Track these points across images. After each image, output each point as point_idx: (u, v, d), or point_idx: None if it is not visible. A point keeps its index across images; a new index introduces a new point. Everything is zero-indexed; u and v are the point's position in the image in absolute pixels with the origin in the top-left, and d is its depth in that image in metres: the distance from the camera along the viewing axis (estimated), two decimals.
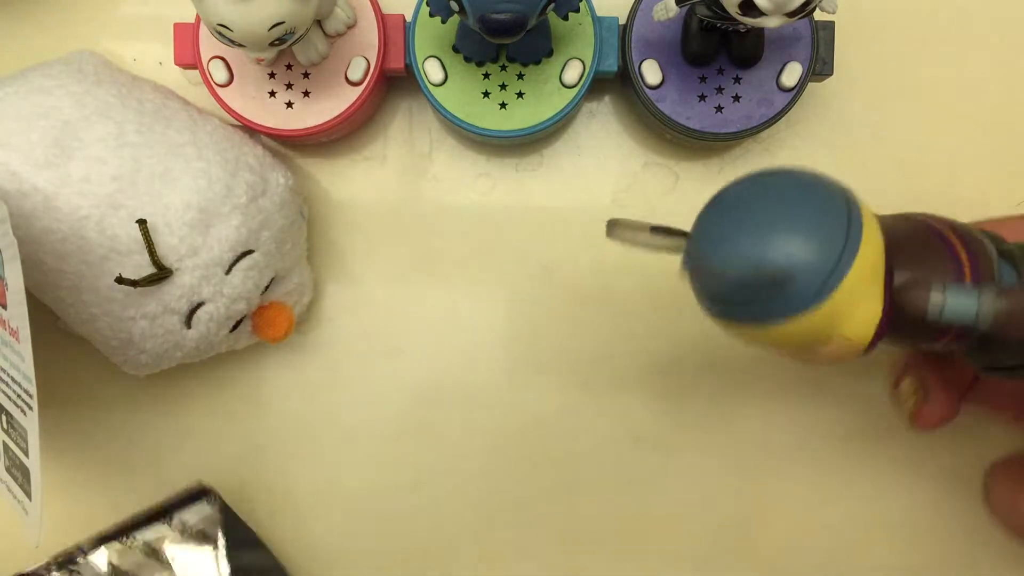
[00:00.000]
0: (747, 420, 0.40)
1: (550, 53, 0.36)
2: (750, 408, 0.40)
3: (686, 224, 0.27)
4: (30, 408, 0.30)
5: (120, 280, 0.32)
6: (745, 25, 0.31)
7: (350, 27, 0.36)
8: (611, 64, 0.37)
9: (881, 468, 0.40)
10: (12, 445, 0.32)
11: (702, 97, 0.36)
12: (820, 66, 0.37)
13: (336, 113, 0.36)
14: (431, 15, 0.33)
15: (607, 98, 0.41)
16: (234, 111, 0.37)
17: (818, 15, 0.33)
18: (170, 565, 0.37)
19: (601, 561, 0.40)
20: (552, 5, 0.31)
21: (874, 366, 0.39)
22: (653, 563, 0.40)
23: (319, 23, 0.35)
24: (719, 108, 0.36)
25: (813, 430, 0.40)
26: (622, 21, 0.37)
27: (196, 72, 0.37)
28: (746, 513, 0.40)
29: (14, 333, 0.30)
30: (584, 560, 0.40)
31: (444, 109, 0.37)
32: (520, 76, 0.37)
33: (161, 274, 0.33)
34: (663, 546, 0.40)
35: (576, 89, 0.37)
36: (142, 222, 0.32)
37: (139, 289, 0.33)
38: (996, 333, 0.26)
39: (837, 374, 0.39)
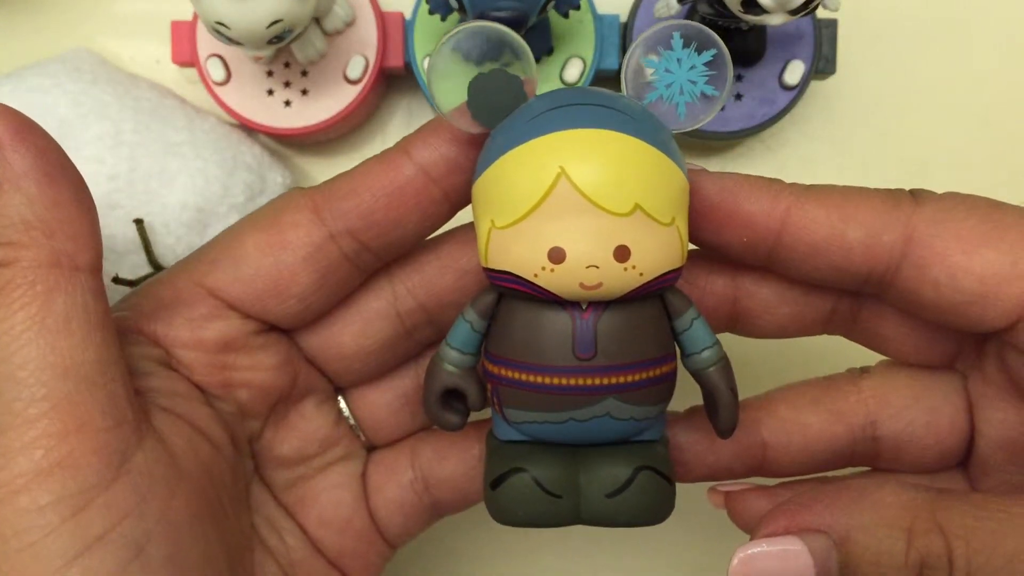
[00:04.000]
0: None
1: (550, 51, 0.36)
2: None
3: None
4: None
5: (117, 280, 0.32)
6: (747, 23, 0.31)
7: (349, 25, 0.36)
8: (612, 62, 0.36)
9: None
10: None
11: None
12: (823, 64, 0.36)
13: (335, 112, 0.36)
14: (430, 13, 0.33)
15: None
16: (232, 110, 0.36)
17: (821, 13, 0.33)
18: None
19: (602, 561, 0.40)
20: (552, 3, 0.31)
21: None
22: (653, 564, 0.40)
23: (317, 21, 0.35)
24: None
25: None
26: (623, 19, 0.37)
27: (193, 70, 0.37)
28: None
29: None
30: (584, 560, 0.40)
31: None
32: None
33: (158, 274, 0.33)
34: (663, 549, 0.40)
35: None
36: (139, 222, 0.32)
37: None
38: None
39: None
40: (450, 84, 0.23)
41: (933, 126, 0.40)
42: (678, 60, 0.22)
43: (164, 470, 0.22)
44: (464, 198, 0.25)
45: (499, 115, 0.23)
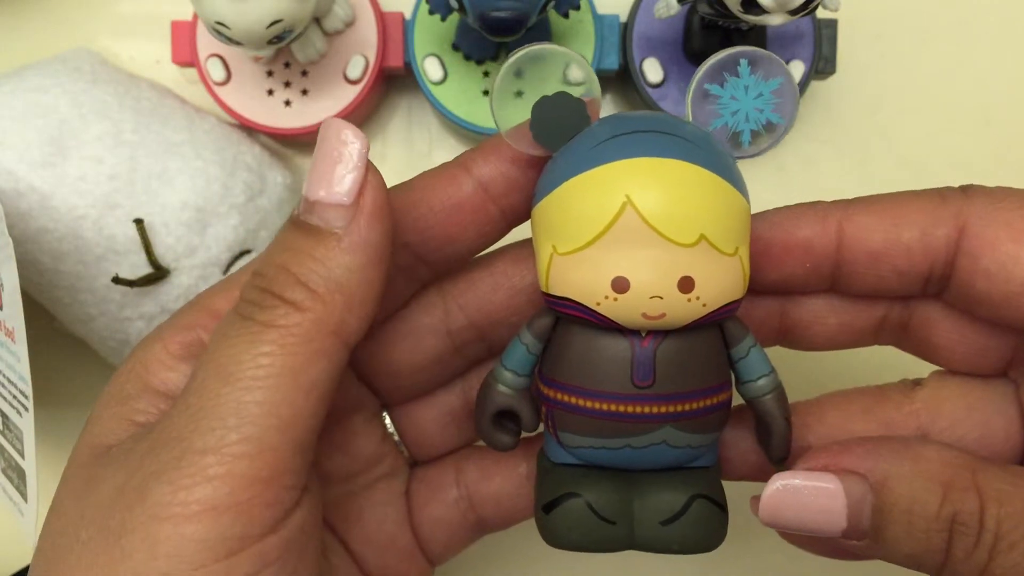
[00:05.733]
0: None
1: None
2: None
3: None
4: (26, 409, 0.30)
5: (117, 280, 0.32)
6: (747, 23, 0.31)
7: (349, 25, 0.36)
8: (612, 62, 0.37)
9: None
10: (8, 446, 0.32)
11: None
12: (823, 64, 0.36)
13: (335, 112, 0.36)
14: (430, 13, 0.33)
15: (608, 96, 0.40)
16: (232, 110, 0.36)
17: (821, 13, 0.33)
18: None
19: (603, 561, 0.40)
20: (552, 3, 0.31)
21: None
22: (655, 563, 0.40)
23: (317, 21, 0.35)
24: None
25: None
26: (623, 19, 0.37)
27: (194, 70, 0.37)
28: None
29: (10, 333, 0.30)
30: (586, 561, 0.40)
31: (444, 108, 0.36)
32: (520, 74, 0.36)
33: (158, 274, 0.33)
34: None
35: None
36: (139, 221, 0.32)
37: (136, 289, 0.33)
38: None
39: None
40: (512, 106, 0.23)
41: (933, 126, 0.40)
42: (745, 87, 0.22)
43: (310, 528, 0.22)
44: (520, 216, 0.25)
45: (562, 138, 0.23)
